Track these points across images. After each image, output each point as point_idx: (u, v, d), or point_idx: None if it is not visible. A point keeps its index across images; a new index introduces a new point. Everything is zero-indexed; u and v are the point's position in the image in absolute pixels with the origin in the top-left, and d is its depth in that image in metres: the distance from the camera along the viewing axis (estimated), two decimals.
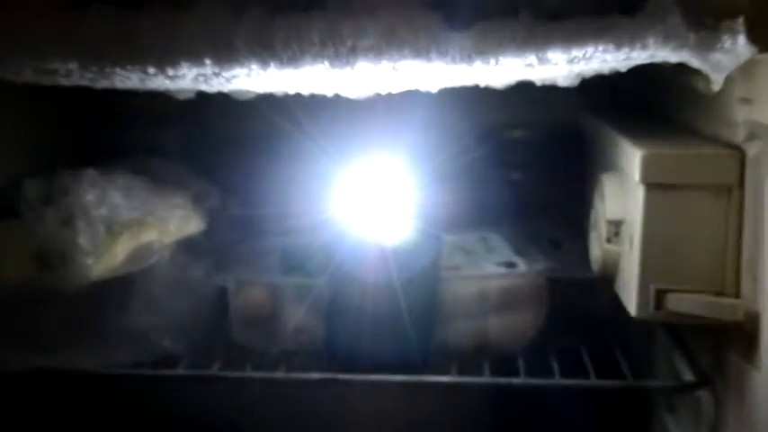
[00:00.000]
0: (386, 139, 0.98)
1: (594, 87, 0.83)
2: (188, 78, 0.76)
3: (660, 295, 0.81)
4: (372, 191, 0.94)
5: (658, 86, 1.01)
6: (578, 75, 0.80)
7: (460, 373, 0.90)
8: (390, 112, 0.98)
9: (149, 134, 1.09)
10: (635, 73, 0.80)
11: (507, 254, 1.00)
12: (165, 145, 1.10)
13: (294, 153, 1.04)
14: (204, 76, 0.76)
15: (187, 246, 0.95)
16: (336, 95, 0.85)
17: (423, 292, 0.91)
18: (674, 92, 0.95)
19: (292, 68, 0.76)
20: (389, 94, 0.84)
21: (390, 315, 0.88)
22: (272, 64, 0.75)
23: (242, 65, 0.75)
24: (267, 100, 0.87)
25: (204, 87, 0.80)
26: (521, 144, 1.13)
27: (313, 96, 0.86)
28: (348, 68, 0.75)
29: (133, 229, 0.90)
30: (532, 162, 1.13)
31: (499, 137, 1.13)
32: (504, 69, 0.75)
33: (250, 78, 0.77)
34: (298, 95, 0.86)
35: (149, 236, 0.91)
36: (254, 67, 0.76)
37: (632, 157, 0.82)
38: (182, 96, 0.84)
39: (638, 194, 0.81)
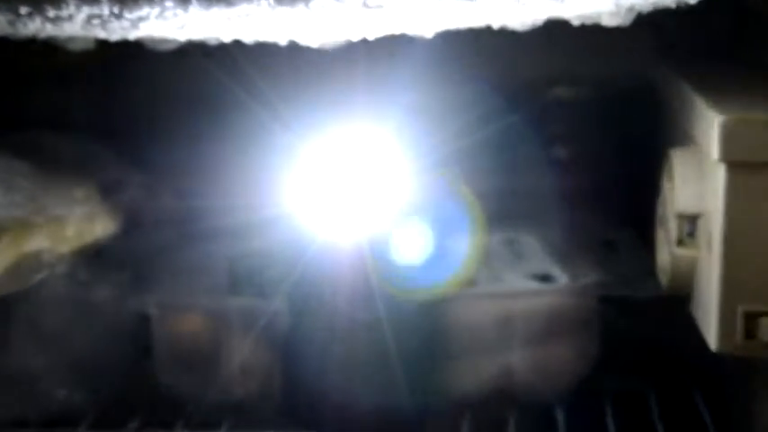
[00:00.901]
0: (370, 104, 0.97)
1: (672, 27, 0.82)
2: (77, 21, 0.76)
3: (751, 320, 0.80)
4: (351, 177, 0.93)
5: (756, 24, 0.99)
6: (631, 9, 0.79)
7: (475, 430, 0.91)
8: (375, 67, 0.96)
9: (45, 100, 1.10)
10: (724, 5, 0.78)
11: (543, 262, 1.01)
12: (68, 114, 1.11)
13: (244, 125, 1.03)
14: (100, 18, 0.76)
15: (93, 256, 0.95)
16: (293, 44, 0.83)
17: (419, 318, 0.91)
18: None
19: (223, 7, 0.75)
20: (367, 41, 0.83)
21: (373, 350, 0.89)
22: (193, 0, 0.74)
23: (152, 2, 0.74)
24: (206, 52, 0.86)
25: (102, 34, 0.79)
26: (567, 107, 1.13)
27: (263, 46, 0.85)
28: (301, 6, 0.74)
29: (13, 234, 0.90)
30: (583, 133, 1.13)
31: (536, 98, 1.13)
32: (520, 4, 0.73)
33: (165, 21, 0.77)
34: (247, 45, 0.85)
35: (37, 243, 0.91)
36: (170, 5, 0.75)
37: (709, 125, 0.81)
38: (74, 47, 0.83)
39: (718, 177, 0.80)
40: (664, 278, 0.92)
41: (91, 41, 0.83)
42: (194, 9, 0.75)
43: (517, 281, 0.97)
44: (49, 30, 0.78)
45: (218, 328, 0.94)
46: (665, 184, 0.93)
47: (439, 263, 0.93)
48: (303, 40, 0.83)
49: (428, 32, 0.82)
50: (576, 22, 0.82)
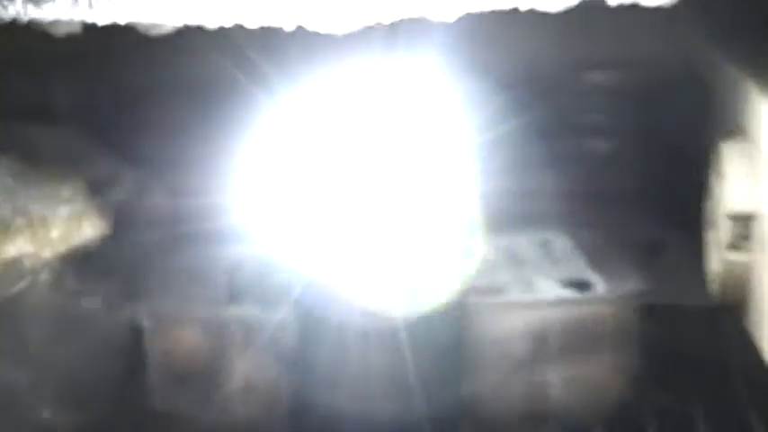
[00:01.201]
0: (387, 93, 0.97)
1: (721, 5, 0.81)
2: (62, 3, 0.75)
3: None
4: (365, 173, 0.94)
5: None
6: None
7: None
8: (393, 53, 0.96)
9: (27, 89, 1.09)
10: None
11: (578, 267, 1.00)
12: (53, 105, 1.11)
13: (246, 117, 1.03)
14: None
15: (80, 261, 0.94)
16: (301, 29, 0.83)
17: (441, 330, 0.91)
18: None
19: None
20: (383, 25, 0.83)
21: (389, 366, 0.89)
22: None
23: None
24: (203, 36, 0.86)
25: (89, 17, 0.79)
26: (604, 95, 1.13)
27: (268, 30, 0.85)
28: None
29: None
30: (622, 123, 1.13)
31: (570, 84, 1.13)
32: None
33: (160, 2, 0.76)
34: (250, 29, 0.85)
35: (18, 247, 0.91)
36: None
37: (763, 115, 0.81)
38: (59, 31, 0.83)
39: None
40: (715, 285, 0.92)
41: (77, 25, 0.83)
42: None
43: (550, 289, 0.97)
44: (30, 12, 0.78)
45: (217, 341, 0.94)
46: (715, 182, 0.93)
47: (447, 267, 0.93)
48: (312, 25, 0.83)
49: (450, 16, 0.82)
50: (612, 2, 0.81)
